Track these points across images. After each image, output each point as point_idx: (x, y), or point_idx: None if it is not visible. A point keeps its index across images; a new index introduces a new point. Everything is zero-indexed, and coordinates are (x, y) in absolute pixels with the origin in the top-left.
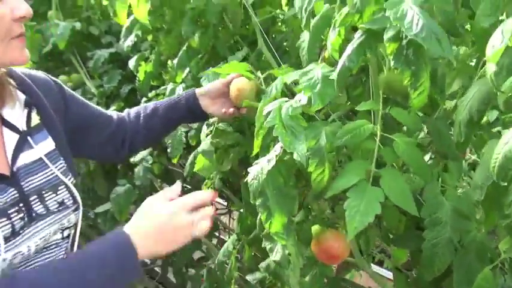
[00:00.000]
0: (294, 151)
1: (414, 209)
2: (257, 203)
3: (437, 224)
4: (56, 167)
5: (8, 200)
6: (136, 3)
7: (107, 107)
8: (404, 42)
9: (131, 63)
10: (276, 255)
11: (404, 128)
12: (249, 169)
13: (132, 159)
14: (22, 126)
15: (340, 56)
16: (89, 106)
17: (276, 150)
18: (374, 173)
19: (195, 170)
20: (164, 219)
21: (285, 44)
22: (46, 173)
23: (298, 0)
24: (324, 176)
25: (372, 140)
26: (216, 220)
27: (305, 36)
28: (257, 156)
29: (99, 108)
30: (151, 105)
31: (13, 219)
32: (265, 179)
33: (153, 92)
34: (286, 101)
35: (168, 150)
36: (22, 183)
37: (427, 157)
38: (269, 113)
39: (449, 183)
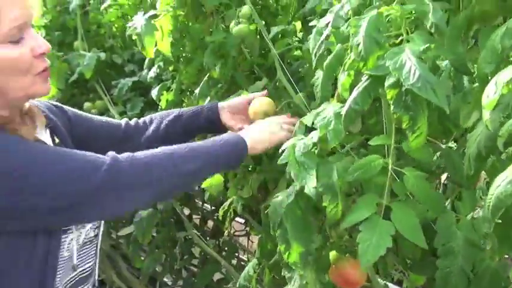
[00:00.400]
0: (305, 185)
1: (423, 243)
2: (277, 234)
3: (449, 254)
4: None
5: None
6: (161, 37)
7: None
8: (403, 89)
9: (154, 92)
10: (294, 284)
11: None
12: (270, 201)
13: None
14: (50, 143)
15: (350, 95)
16: (93, 118)
17: (294, 183)
18: (385, 205)
19: (202, 186)
20: (267, 123)
21: (300, 70)
22: None
23: (312, 42)
24: (338, 209)
25: (384, 173)
26: (235, 242)
27: (319, 74)
28: (275, 181)
29: (107, 119)
30: (175, 111)
31: None
32: (284, 212)
33: None
34: (301, 139)
35: None
36: None
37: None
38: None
39: (463, 212)
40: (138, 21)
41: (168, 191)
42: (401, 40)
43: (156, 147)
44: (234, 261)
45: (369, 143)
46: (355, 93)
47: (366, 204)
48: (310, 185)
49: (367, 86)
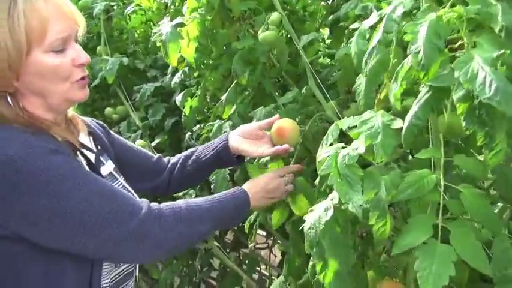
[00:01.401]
0: (349, 202)
1: (488, 269)
2: (312, 252)
3: (508, 282)
4: (122, 179)
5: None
6: (186, 44)
7: (152, 139)
8: (476, 101)
9: (178, 98)
10: None
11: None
12: (304, 217)
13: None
14: (93, 148)
15: (401, 106)
16: (130, 145)
17: (333, 198)
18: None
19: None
20: (268, 180)
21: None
22: (118, 182)
23: (354, 46)
24: (386, 228)
25: (436, 191)
26: (256, 256)
27: (361, 80)
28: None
29: (142, 149)
30: (195, 148)
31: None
32: (322, 229)
33: (198, 126)
34: (342, 148)
35: (212, 186)
36: None
37: None
38: (324, 159)
39: None
40: (164, 28)
41: (180, 249)
42: (460, 45)
43: (177, 185)
44: (255, 275)
45: (416, 156)
46: (415, 107)
47: (421, 225)
48: (356, 202)
49: (429, 99)
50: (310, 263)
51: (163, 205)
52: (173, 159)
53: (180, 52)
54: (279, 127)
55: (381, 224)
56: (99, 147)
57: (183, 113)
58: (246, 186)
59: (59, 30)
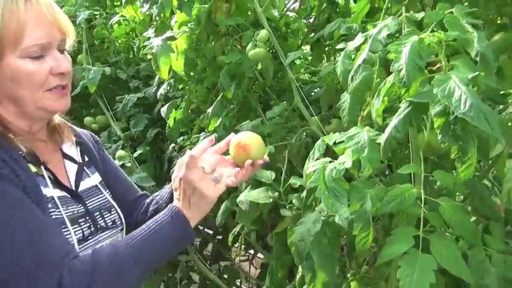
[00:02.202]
0: (336, 214)
1: (469, 277)
2: (302, 264)
3: None
4: (107, 193)
5: (78, 211)
6: (176, 57)
7: (133, 150)
8: (451, 117)
9: (163, 110)
10: None
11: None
12: (294, 229)
13: None
14: (78, 159)
15: (383, 121)
16: (120, 171)
17: (321, 210)
18: (422, 238)
19: (236, 219)
20: (198, 188)
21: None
22: (102, 196)
23: (340, 65)
24: (368, 239)
25: (417, 204)
26: (237, 268)
27: (345, 98)
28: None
29: (129, 179)
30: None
31: (82, 227)
32: (311, 241)
33: (181, 138)
34: (329, 162)
35: None
36: (86, 202)
37: None
38: (312, 173)
39: (494, 246)
40: (155, 41)
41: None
42: (438, 68)
43: None
44: None
45: (398, 171)
46: (395, 120)
47: (403, 236)
48: (343, 214)
49: (409, 113)
50: (299, 274)
51: (90, 255)
52: (147, 200)
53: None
54: (238, 142)
55: (363, 235)
56: (86, 159)
57: (167, 125)
58: (175, 200)
59: (38, 36)
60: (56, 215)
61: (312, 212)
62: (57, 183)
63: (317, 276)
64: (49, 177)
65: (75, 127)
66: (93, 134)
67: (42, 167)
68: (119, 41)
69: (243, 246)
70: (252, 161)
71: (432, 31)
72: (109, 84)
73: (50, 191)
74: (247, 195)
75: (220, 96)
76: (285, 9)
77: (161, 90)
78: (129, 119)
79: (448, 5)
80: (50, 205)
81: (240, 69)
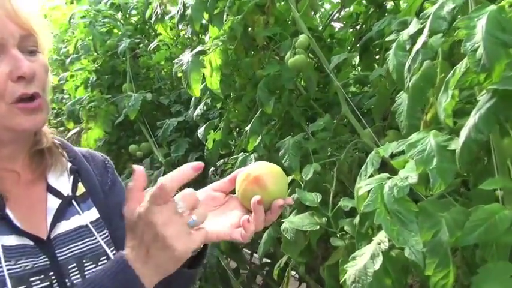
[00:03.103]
0: (404, 245)
1: None
2: None
3: None
4: (100, 236)
5: (36, 265)
6: (210, 73)
7: None
8: None
9: (200, 131)
10: None
11: None
12: (346, 266)
13: None
14: (67, 192)
15: (454, 123)
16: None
17: (381, 241)
18: None
19: (282, 249)
20: (162, 235)
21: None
22: (91, 240)
23: (392, 58)
24: (449, 281)
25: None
26: None
27: (402, 99)
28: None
29: None
30: None
31: (33, 287)
32: (370, 283)
33: (222, 160)
34: (387, 178)
35: None
36: (58, 251)
37: None
38: (366, 194)
39: None
40: (185, 57)
41: None
42: None
43: None
44: None
45: (480, 187)
46: (475, 117)
47: (496, 275)
48: (414, 245)
49: (494, 106)
50: None
51: None
52: None
53: (203, 83)
54: (248, 175)
55: (441, 275)
56: (80, 191)
57: (206, 147)
58: (127, 248)
59: None
60: None
61: (368, 242)
62: (14, 228)
63: None
64: (2, 218)
65: (77, 148)
66: (107, 158)
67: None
68: (164, 69)
69: (296, 275)
70: (269, 201)
71: None
72: (152, 111)
73: None
74: (290, 222)
75: (258, 112)
76: (329, 19)
77: (197, 111)
78: (171, 144)
79: None
80: None
81: (279, 82)
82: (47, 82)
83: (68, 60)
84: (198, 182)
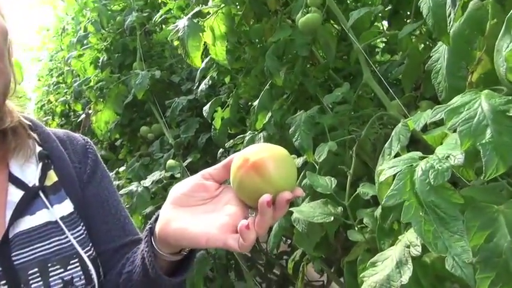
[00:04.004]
0: (445, 254)
1: None
2: None
3: None
4: (72, 234)
5: None
6: (212, 41)
7: (185, 158)
8: None
9: (205, 109)
10: None
11: None
12: (362, 274)
13: None
14: (34, 182)
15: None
16: (108, 202)
17: (411, 243)
18: None
19: (294, 242)
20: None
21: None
22: (59, 239)
23: (427, 1)
24: None
25: None
26: None
27: (440, 53)
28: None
29: (124, 217)
30: None
31: None
32: None
33: (231, 141)
34: (420, 158)
35: None
36: (16, 253)
37: None
38: (390, 178)
39: None
40: (181, 23)
41: None
42: None
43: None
44: None
45: None
46: None
47: None
48: (460, 253)
49: None
50: None
51: None
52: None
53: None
54: (245, 160)
55: None
56: (51, 181)
57: (213, 127)
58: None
59: None
60: None
61: (393, 240)
62: None
63: None
64: None
65: (53, 130)
66: (89, 142)
67: None
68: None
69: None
70: (272, 194)
71: None
72: (165, 90)
73: None
74: (299, 212)
75: (268, 85)
76: None
77: (202, 86)
78: (180, 124)
79: None
80: None
81: (291, 49)
82: (4, 47)
83: (74, 40)
84: (211, 164)
